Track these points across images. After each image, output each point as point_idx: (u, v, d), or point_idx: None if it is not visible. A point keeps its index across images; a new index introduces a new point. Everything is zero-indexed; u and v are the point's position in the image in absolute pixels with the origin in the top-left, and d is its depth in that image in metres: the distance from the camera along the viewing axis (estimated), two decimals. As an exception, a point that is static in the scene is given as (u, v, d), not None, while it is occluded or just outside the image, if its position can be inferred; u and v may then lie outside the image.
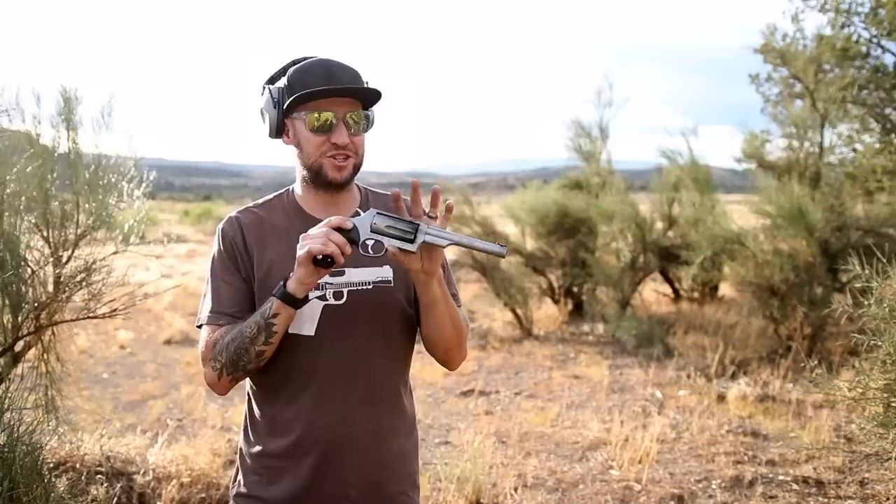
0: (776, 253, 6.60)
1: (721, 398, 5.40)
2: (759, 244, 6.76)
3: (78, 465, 3.38)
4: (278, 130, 1.58)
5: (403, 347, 1.66)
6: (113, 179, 3.31)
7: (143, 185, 3.38)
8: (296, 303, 1.44)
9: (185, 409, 5.39)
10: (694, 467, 4.12)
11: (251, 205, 1.69)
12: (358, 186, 1.70)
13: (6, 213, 2.93)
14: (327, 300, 1.56)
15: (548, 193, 10.09)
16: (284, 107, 1.53)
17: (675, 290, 9.97)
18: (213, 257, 1.63)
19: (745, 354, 6.55)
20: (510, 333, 8.24)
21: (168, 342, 8.02)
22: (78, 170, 3.29)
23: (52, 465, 3.03)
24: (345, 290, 1.56)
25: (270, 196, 1.70)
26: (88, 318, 3.24)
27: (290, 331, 1.53)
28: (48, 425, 3.06)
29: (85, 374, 6.06)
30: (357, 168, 1.58)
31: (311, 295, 1.52)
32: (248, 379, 1.62)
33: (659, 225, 9.01)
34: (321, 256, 1.38)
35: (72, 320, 3.25)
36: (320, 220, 1.58)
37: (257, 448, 1.61)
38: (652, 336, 7.39)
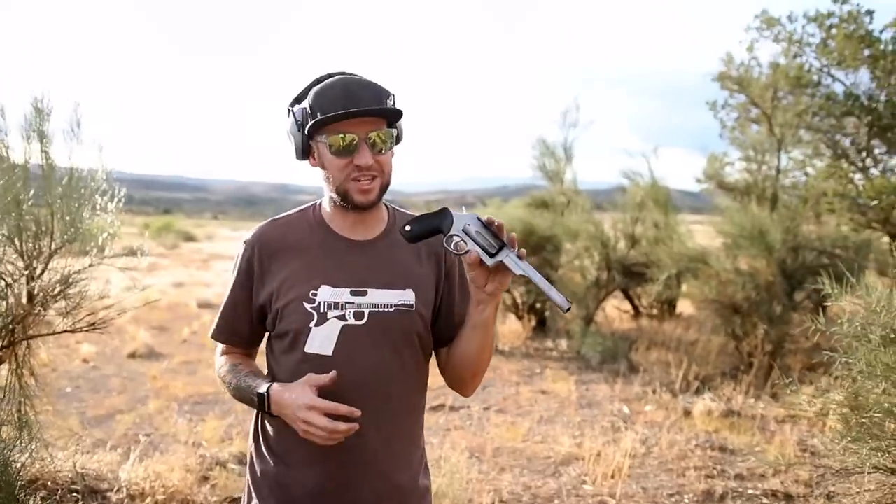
0: (737, 272, 6.79)
1: (687, 413, 5.52)
2: (721, 263, 6.95)
3: (50, 483, 3.31)
4: (304, 152, 1.57)
5: (418, 371, 1.65)
6: (84, 192, 3.26)
7: (116, 199, 3.35)
8: (269, 412, 1.53)
9: (154, 423, 5.29)
10: (665, 482, 4.21)
11: (279, 217, 1.68)
12: (386, 206, 1.68)
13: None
14: (347, 320, 1.54)
15: (513, 211, 10.21)
16: (307, 130, 1.52)
17: (635, 307, 10.16)
18: (233, 268, 1.66)
19: (707, 371, 6.70)
20: (476, 349, 8.27)
21: (133, 356, 7.86)
22: (51, 182, 3.24)
23: (24, 482, 2.95)
24: (366, 311, 1.56)
25: (302, 207, 1.69)
26: (66, 332, 3.17)
27: (308, 350, 1.54)
28: (21, 442, 2.98)
29: (48, 389, 5.88)
30: (384, 187, 1.56)
31: (330, 315, 1.54)
32: None
33: (622, 244, 9.20)
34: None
35: (49, 334, 3.18)
36: (345, 239, 1.61)
37: (271, 458, 1.62)
38: (616, 352, 7.51)
